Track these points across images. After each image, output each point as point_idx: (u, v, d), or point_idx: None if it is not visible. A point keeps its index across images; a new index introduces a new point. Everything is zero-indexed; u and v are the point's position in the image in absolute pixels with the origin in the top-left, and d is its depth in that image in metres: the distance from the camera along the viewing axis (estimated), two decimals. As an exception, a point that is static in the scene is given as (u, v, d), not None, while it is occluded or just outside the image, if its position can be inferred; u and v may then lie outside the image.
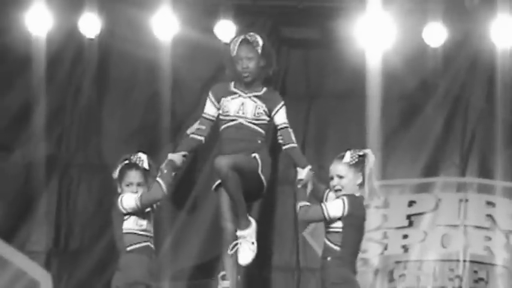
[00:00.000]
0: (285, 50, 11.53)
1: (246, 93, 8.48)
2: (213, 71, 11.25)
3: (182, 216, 11.31)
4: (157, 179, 8.90)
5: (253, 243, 8.85)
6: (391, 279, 11.13)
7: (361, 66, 10.79)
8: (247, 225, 8.43)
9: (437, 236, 11.23)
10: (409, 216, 11.25)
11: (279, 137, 8.59)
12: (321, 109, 11.50)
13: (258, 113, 8.45)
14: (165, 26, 10.93)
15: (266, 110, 8.42)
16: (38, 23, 10.86)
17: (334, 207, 8.03)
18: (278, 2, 11.21)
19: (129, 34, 11.16)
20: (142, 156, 8.59)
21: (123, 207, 8.65)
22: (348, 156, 8.01)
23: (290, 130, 8.51)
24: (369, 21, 10.74)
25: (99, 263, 10.93)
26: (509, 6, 10.69)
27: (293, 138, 8.56)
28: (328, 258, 7.98)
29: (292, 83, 11.54)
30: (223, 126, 8.50)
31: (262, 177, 8.37)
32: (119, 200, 8.66)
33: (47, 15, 10.81)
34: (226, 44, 10.59)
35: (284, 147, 8.50)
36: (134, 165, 8.55)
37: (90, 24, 10.89)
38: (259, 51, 8.41)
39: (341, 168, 8.03)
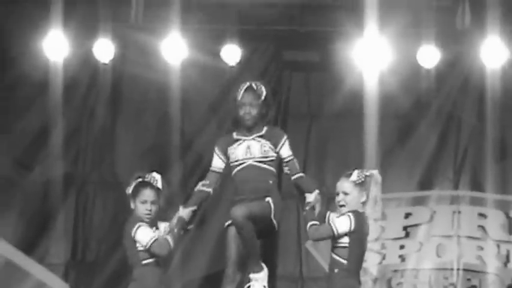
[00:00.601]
0: (287, 72, 11.60)
1: (249, 137, 8.50)
2: (220, 92, 11.39)
3: (191, 231, 11.32)
4: (167, 236, 8.66)
5: (264, 286, 8.88)
6: (390, 287, 11.35)
7: (358, 86, 10.82)
8: (260, 270, 8.36)
9: (433, 246, 11.26)
10: (405, 228, 11.29)
11: (286, 169, 8.49)
12: (321, 128, 11.51)
13: (264, 151, 8.44)
14: (174, 50, 10.98)
15: (272, 146, 8.45)
16: (55, 49, 10.91)
17: (342, 224, 8.09)
18: (281, 27, 11.17)
19: (141, 58, 11.19)
20: (157, 176, 8.63)
21: (135, 237, 8.57)
22: (355, 175, 8.10)
23: (295, 161, 8.52)
24: (366, 44, 10.79)
25: (114, 274, 10.94)
26: (498, 28, 10.68)
27: (298, 168, 8.52)
28: (336, 270, 8.03)
29: (294, 103, 11.59)
30: (234, 171, 8.52)
31: (275, 222, 8.38)
32: (135, 228, 8.61)
33: (64, 41, 10.88)
34: (232, 66, 11.11)
35: (293, 178, 8.46)
36: (149, 184, 8.58)
37: (104, 50, 10.96)
38: (262, 98, 8.44)
39: (347, 186, 8.09)
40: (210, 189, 8.64)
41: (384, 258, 11.13)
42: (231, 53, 11.06)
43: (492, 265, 11.20)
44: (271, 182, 8.49)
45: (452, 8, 11.02)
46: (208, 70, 11.26)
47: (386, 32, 10.77)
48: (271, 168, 8.53)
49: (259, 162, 8.52)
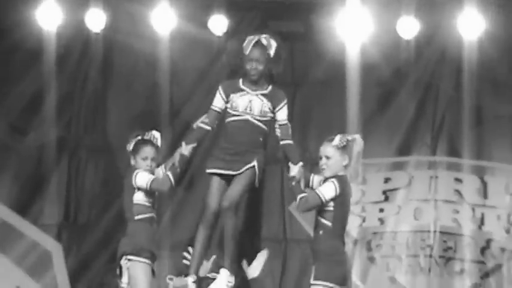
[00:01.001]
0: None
1: (253, 91, 8.56)
2: (207, 62, 11.41)
3: (180, 193, 11.28)
4: (168, 172, 8.80)
5: (230, 282, 8.68)
6: (369, 249, 11.24)
7: (341, 56, 10.80)
8: (231, 269, 8.41)
9: (410, 209, 11.30)
10: (384, 192, 11.35)
11: (277, 131, 8.65)
12: (305, 95, 11.48)
13: (263, 111, 8.56)
14: (163, 21, 10.92)
15: (271, 107, 8.55)
16: (48, 18, 10.84)
17: (328, 191, 8.16)
18: None
19: (131, 28, 11.15)
20: (157, 134, 8.84)
21: (135, 183, 8.74)
22: (337, 139, 8.22)
23: (289, 126, 8.65)
24: (348, 15, 10.74)
25: (104, 235, 10.98)
26: (475, 1, 10.63)
27: (289, 134, 8.66)
28: (321, 232, 8.15)
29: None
30: (230, 119, 8.59)
31: (257, 183, 8.43)
32: (134, 174, 8.78)
33: (57, 10, 10.78)
34: (219, 36, 11.05)
35: (281, 142, 8.61)
36: (149, 142, 8.75)
37: (95, 20, 10.90)
38: (271, 54, 8.51)
39: (329, 150, 8.20)
40: (209, 127, 8.66)
41: (364, 220, 11.19)
42: (218, 23, 11.04)
43: (467, 228, 11.24)
44: (261, 139, 8.53)
45: None
46: (196, 40, 11.20)
47: (368, 3, 10.72)
48: (265, 127, 8.54)
49: (256, 120, 8.56)
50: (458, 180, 11.36)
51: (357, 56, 10.75)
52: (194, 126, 9.03)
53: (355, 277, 10.76)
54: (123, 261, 8.92)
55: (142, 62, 11.29)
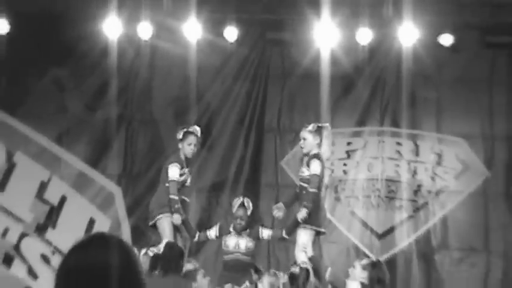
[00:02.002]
0: (269, 47, 11.67)
1: (238, 235, 9.20)
2: (223, 61, 11.58)
3: (204, 153, 11.38)
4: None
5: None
6: (336, 192, 11.45)
7: (317, 57, 10.90)
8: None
9: (365, 164, 11.49)
10: (347, 152, 11.54)
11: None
12: (291, 86, 11.58)
13: (248, 246, 9.24)
14: (192, 31, 10.99)
15: (252, 240, 9.20)
16: (111, 30, 10.90)
17: (317, 166, 8.83)
18: (265, 16, 11.15)
19: (169, 37, 11.17)
20: (197, 128, 9.43)
21: (167, 173, 9.14)
22: (310, 126, 8.98)
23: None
24: (322, 27, 10.77)
25: (150, 182, 10.94)
26: (412, 17, 10.64)
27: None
28: (304, 192, 8.92)
29: (273, 67, 11.67)
30: (225, 257, 9.22)
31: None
32: (168, 165, 9.17)
33: (117, 24, 10.89)
34: (231, 43, 11.21)
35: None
36: (193, 133, 9.29)
37: (145, 30, 11.02)
38: (249, 213, 9.27)
39: (305, 134, 8.98)
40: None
41: (332, 172, 11.27)
42: (231, 34, 11.15)
43: (404, 176, 11.45)
44: (252, 270, 9.15)
45: (381, 2, 10.81)
46: (215, 45, 11.26)
47: (335, 18, 10.72)
48: (251, 259, 9.23)
49: (243, 254, 9.22)
50: (398, 143, 11.54)
51: (327, 57, 10.80)
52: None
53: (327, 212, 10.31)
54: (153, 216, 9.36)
55: (177, 61, 11.25)
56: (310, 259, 8.91)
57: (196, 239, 9.52)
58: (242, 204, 9.32)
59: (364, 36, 11.00)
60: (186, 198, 9.61)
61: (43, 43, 11.14)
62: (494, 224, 11.25)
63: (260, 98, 11.72)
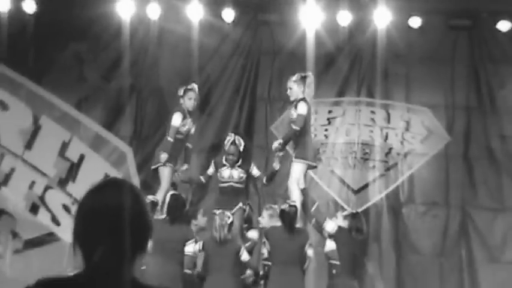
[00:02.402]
0: (261, 27, 11.69)
1: (231, 167, 9.55)
2: (221, 39, 11.62)
3: (204, 118, 11.56)
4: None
5: None
6: (318, 153, 11.29)
7: (303, 36, 10.95)
8: None
9: (344, 129, 11.54)
10: (328, 119, 11.58)
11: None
12: (280, 61, 11.61)
13: (240, 176, 9.59)
14: (194, 12, 11.07)
15: (244, 172, 9.58)
16: (124, 11, 11.01)
17: (303, 108, 8.98)
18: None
19: (174, 17, 11.23)
20: (195, 85, 9.79)
21: (172, 119, 9.56)
22: (294, 77, 9.30)
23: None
24: (307, 9, 10.87)
25: (157, 144, 10.59)
26: (385, 1, 10.84)
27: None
28: (294, 127, 8.97)
29: (265, 45, 11.76)
30: (220, 185, 9.54)
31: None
32: (176, 115, 9.50)
33: (130, 5, 11.00)
34: (228, 23, 11.26)
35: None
36: (192, 89, 9.68)
37: (154, 11, 11.14)
38: (241, 149, 9.56)
39: (291, 83, 9.28)
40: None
41: (315, 136, 11.09)
42: (228, 15, 11.24)
43: (377, 141, 11.48)
44: (242, 203, 9.44)
45: None
46: (214, 25, 11.33)
47: (319, 2, 10.88)
48: (243, 187, 9.61)
49: (236, 183, 9.51)
50: (372, 112, 11.57)
51: (312, 37, 10.84)
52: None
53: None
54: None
55: (181, 39, 11.28)
56: (302, 191, 9.18)
57: (203, 180, 9.82)
58: (233, 142, 9.59)
59: (344, 18, 11.05)
60: (189, 145, 9.92)
61: (65, 21, 11.17)
62: (454, 182, 11.34)
63: (253, 71, 11.76)
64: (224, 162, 9.58)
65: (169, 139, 9.58)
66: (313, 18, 10.91)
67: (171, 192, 9.26)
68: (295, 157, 9.18)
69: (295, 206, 8.83)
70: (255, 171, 9.70)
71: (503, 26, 11.15)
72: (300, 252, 8.59)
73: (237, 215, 9.31)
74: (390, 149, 11.51)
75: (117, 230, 2.77)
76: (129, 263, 2.79)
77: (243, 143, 9.64)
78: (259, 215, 9.77)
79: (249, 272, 8.92)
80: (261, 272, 9.00)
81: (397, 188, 11.43)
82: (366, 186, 11.43)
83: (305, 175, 9.39)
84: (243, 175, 9.59)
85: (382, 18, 10.99)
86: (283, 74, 11.41)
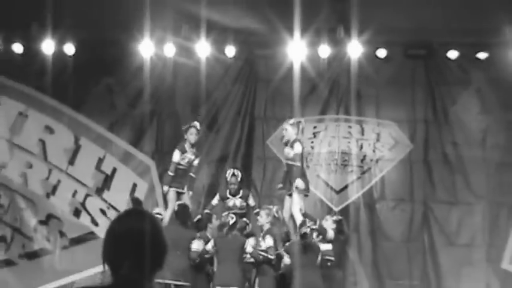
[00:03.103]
0: (257, 59, 11.90)
1: (233, 197, 9.84)
2: (224, 71, 11.83)
3: (212, 135, 11.76)
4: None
5: None
6: (306, 161, 11.13)
7: (291, 66, 11.13)
8: None
9: (326, 141, 11.61)
10: (313, 133, 11.71)
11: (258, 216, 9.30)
12: (273, 88, 11.75)
13: (242, 205, 9.89)
14: (202, 50, 11.27)
15: (243, 202, 9.82)
16: (145, 50, 11.22)
17: (299, 147, 9.26)
18: (254, 38, 11.36)
19: (186, 54, 11.47)
20: (197, 123, 10.05)
21: (173, 156, 9.56)
22: (291, 120, 9.69)
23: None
24: (294, 44, 10.94)
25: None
26: (357, 37, 10.99)
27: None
28: (293, 166, 9.24)
29: (261, 74, 11.93)
30: (226, 211, 9.53)
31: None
32: (175, 152, 9.67)
33: (150, 45, 11.18)
34: (230, 58, 11.41)
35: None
36: (194, 126, 9.99)
37: (170, 50, 11.35)
38: (239, 179, 9.84)
39: (286, 125, 9.68)
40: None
41: (303, 147, 10.24)
42: (230, 51, 11.41)
43: (354, 150, 11.66)
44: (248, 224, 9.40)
45: (335, 27, 11.18)
46: (219, 59, 11.56)
47: (304, 39, 11.04)
48: (244, 212, 9.61)
49: (239, 209, 9.72)
50: (349, 126, 11.76)
51: (298, 67, 10.97)
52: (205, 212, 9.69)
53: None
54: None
55: (192, 71, 11.45)
56: (304, 215, 9.51)
57: (208, 211, 9.90)
58: (233, 174, 9.99)
59: (324, 51, 11.22)
60: (193, 175, 10.10)
61: (98, 60, 11.31)
62: (416, 181, 11.54)
63: (251, 95, 11.90)
64: (228, 195, 9.85)
65: (170, 173, 9.84)
66: (298, 52, 11.06)
67: (179, 202, 9.71)
68: (296, 189, 9.37)
69: (312, 229, 9.33)
70: (250, 201, 10.05)
71: (452, 54, 11.41)
72: (316, 258, 9.17)
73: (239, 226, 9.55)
74: (365, 156, 11.68)
75: (140, 248, 2.90)
76: (149, 275, 2.91)
77: (240, 175, 9.94)
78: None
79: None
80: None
81: (371, 188, 11.62)
82: (345, 187, 11.59)
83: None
84: (244, 203, 9.94)
85: (354, 51, 11.17)
86: (275, 97, 11.78)
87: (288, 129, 9.42)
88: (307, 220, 9.22)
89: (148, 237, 2.89)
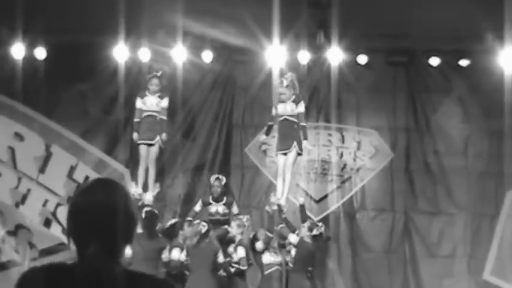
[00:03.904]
0: (235, 66, 11.67)
1: (216, 203, 9.71)
2: (201, 76, 11.62)
3: (188, 143, 11.59)
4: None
5: None
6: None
7: (269, 72, 10.92)
8: None
9: (306, 149, 10.28)
10: None
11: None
12: (252, 95, 11.61)
13: (224, 212, 9.69)
14: (179, 54, 11.14)
15: (227, 208, 9.65)
16: (119, 54, 10.89)
17: (303, 107, 9.25)
18: (232, 43, 11.04)
19: (162, 59, 11.26)
20: (159, 73, 9.70)
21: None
22: (284, 81, 9.48)
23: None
24: (274, 52, 10.86)
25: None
26: (337, 42, 10.89)
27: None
28: (296, 124, 9.14)
29: (238, 80, 11.76)
30: (209, 217, 9.58)
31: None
32: (137, 100, 9.65)
33: (124, 50, 10.94)
34: (207, 63, 11.19)
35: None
36: (156, 76, 9.80)
37: (146, 55, 11.18)
38: (223, 183, 9.67)
39: (282, 90, 9.42)
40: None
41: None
42: (207, 56, 11.34)
43: (334, 158, 11.46)
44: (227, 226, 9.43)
45: (315, 33, 11.19)
46: (195, 64, 11.41)
47: (283, 44, 10.93)
48: (227, 218, 9.55)
49: (222, 216, 9.68)
50: (329, 134, 11.65)
51: (277, 73, 10.68)
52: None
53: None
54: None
55: (168, 77, 10.96)
56: (285, 220, 9.76)
57: (190, 218, 9.80)
58: (217, 178, 10.09)
59: (304, 57, 11.13)
60: (164, 117, 9.93)
61: (70, 65, 11.13)
62: (398, 191, 11.54)
63: (229, 102, 11.73)
64: (210, 200, 9.89)
65: (135, 120, 10.08)
66: (278, 57, 10.92)
67: (146, 208, 9.53)
68: (301, 151, 9.39)
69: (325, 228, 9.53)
70: (234, 209, 10.03)
71: (434, 61, 11.37)
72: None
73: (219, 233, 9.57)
74: (345, 165, 11.63)
75: (108, 225, 2.66)
76: (119, 255, 2.71)
77: (224, 179, 10.06)
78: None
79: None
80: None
81: (352, 197, 11.59)
82: (325, 196, 11.54)
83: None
84: (227, 210, 9.97)
85: (335, 57, 11.12)
86: (254, 104, 11.66)
87: (286, 93, 9.44)
88: (315, 221, 9.50)
89: (118, 212, 2.65)
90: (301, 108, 9.20)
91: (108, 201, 2.69)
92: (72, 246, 2.71)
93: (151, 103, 9.83)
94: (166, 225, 9.61)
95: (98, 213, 2.67)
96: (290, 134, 9.29)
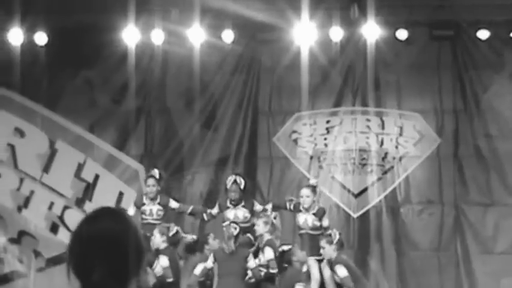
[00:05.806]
0: (259, 45, 11.40)
1: (235, 207, 9.39)
2: (222, 58, 11.34)
3: (210, 134, 11.34)
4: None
5: None
6: (319, 161, 11.20)
7: (298, 52, 10.76)
8: None
9: (342, 137, 11.26)
10: (327, 128, 11.32)
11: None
12: (279, 78, 11.31)
13: (245, 216, 9.40)
14: (196, 35, 10.83)
15: (249, 211, 9.38)
16: (130, 38, 10.72)
17: (327, 222, 9.41)
18: (255, 20, 10.78)
19: (177, 41, 10.96)
20: (156, 171, 9.76)
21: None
22: (309, 188, 9.49)
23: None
24: (303, 28, 10.64)
25: (167, 161, 11.12)
26: (374, 17, 10.64)
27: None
28: (319, 236, 9.32)
29: (264, 62, 11.45)
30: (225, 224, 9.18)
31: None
32: (130, 208, 9.55)
33: (135, 32, 10.78)
34: (228, 44, 10.93)
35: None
36: (152, 176, 9.73)
37: (158, 37, 10.89)
38: (241, 187, 9.34)
39: (307, 192, 9.48)
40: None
41: (316, 145, 11.12)
42: (228, 36, 10.98)
43: (373, 146, 11.26)
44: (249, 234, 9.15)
45: (348, 5, 10.91)
46: (215, 46, 11.09)
47: (313, 20, 10.65)
48: (249, 225, 9.29)
49: (242, 222, 9.22)
50: (368, 120, 11.33)
51: (307, 52, 10.66)
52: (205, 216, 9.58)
53: (311, 178, 10.55)
54: None
55: (185, 60, 11.01)
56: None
57: (205, 218, 9.72)
58: (235, 181, 9.48)
59: (336, 34, 10.85)
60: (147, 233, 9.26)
61: (74, 50, 10.90)
62: (446, 180, 11.08)
63: (254, 86, 11.39)
64: (228, 204, 9.44)
65: None
66: (307, 35, 10.69)
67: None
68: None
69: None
70: (257, 207, 9.56)
71: (482, 34, 10.92)
72: None
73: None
74: (386, 153, 11.30)
75: (114, 253, 2.70)
76: (125, 283, 2.72)
77: (243, 182, 9.53)
78: None
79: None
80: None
81: (395, 190, 11.19)
82: (365, 189, 11.21)
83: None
84: (248, 214, 9.45)
85: (371, 33, 10.80)
86: (281, 88, 11.35)
87: (310, 196, 9.43)
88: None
89: (125, 240, 2.71)
90: (327, 222, 9.35)
91: (114, 229, 2.73)
92: (72, 278, 2.66)
93: (150, 212, 9.67)
94: (170, 233, 9.41)
95: (104, 241, 2.71)
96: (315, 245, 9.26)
